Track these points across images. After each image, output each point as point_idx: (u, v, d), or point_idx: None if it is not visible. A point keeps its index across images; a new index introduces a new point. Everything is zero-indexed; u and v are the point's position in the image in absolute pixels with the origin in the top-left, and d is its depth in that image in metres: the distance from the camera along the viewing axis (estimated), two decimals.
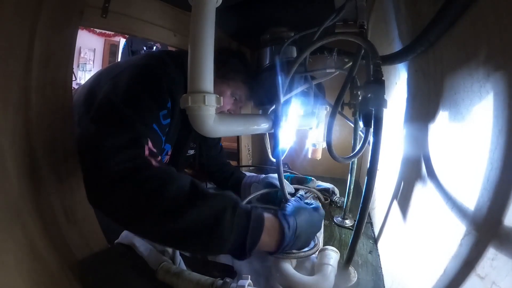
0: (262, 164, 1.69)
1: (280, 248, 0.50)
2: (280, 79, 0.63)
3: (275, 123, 0.64)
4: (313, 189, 0.96)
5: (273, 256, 0.57)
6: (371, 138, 0.47)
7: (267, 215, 0.51)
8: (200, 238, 0.44)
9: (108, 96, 0.56)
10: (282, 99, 0.64)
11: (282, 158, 0.93)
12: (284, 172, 0.85)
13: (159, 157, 0.52)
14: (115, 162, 0.44)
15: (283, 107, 0.65)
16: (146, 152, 0.49)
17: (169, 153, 0.80)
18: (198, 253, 0.55)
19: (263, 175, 0.93)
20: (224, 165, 1.12)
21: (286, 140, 0.88)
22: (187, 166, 1.17)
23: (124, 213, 0.44)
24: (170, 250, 0.61)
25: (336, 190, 1.08)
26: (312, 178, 1.00)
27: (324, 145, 0.82)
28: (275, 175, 0.83)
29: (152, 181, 0.45)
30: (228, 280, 0.50)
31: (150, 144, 0.51)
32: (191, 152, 0.96)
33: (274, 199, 0.83)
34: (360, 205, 0.46)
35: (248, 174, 1.05)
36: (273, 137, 0.66)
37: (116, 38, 3.97)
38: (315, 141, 0.96)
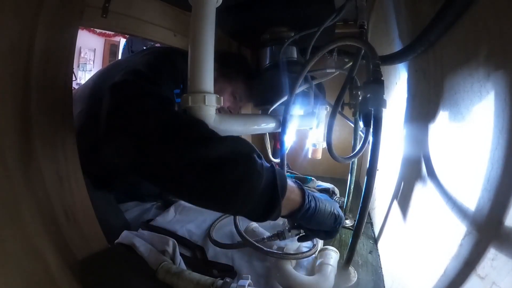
0: None
1: (305, 202, 0.47)
2: (285, 80, 0.63)
3: (282, 127, 0.64)
4: (314, 190, 0.96)
5: (273, 257, 0.57)
6: (371, 138, 0.47)
7: (292, 184, 0.48)
8: (237, 169, 0.40)
9: (129, 75, 0.55)
10: (290, 100, 0.63)
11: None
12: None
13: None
14: (154, 121, 0.43)
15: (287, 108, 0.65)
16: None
17: None
18: (228, 208, 0.46)
19: None
20: None
21: (286, 140, 0.88)
22: None
23: (175, 160, 0.41)
24: (170, 250, 0.61)
25: (336, 190, 1.08)
26: (312, 178, 1.00)
27: (324, 145, 0.82)
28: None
29: (188, 126, 0.44)
30: (228, 280, 0.50)
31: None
32: None
33: None
34: (360, 205, 0.46)
35: None
36: (279, 138, 0.66)
37: (116, 38, 3.97)
38: (315, 141, 0.96)
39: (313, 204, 0.48)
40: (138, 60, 0.64)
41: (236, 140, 0.45)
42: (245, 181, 0.40)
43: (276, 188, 0.42)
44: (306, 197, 0.47)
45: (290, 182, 0.46)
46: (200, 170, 0.40)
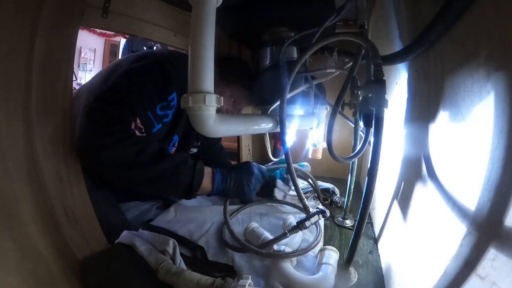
0: (262, 164, 1.69)
1: (214, 187, 0.70)
2: (284, 80, 0.63)
3: (281, 127, 0.64)
4: (311, 182, 0.96)
5: (275, 255, 0.58)
6: (371, 138, 0.47)
7: (206, 168, 0.70)
8: (166, 181, 0.64)
9: (118, 79, 0.66)
10: (285, 100, 0.63)
11: (282, 157, 0.93)
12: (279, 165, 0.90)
13: (143, 130, 0.65)
14: (107, 133, 0.58)
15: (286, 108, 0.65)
16: (132, 126, 0.62)
17: (176, 145, 0.86)
18: (164, 193, 0.74)
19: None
20: (225, 164, 1.13)
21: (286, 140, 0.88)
22: None
23: (113, 169, 0.60)
24: (170, 250, 0.61)
25: (337, 190, 1.08)
26: (306, 163, 1.00)
27: (325, 145, 0.82)
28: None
29: (134, 146, 0.60)
30: (228, 280, 0.50)
31: (138, 121, 0.63)
32: (194, 150, 1.00)
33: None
34: (361, 205, 0.46)
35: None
36: (280, 138, 0.66)
37: (117, 38, 3.97)
38: (316, 141, 0.96)
39: (221, 188, 0.71)
40: (121, 76, 0.67)
41: (170, 158, 0.64)
42: (172, 189, 0.67)
43: (192, 185, 0.66)
44: (215, 188, 0.71)
45: (206, 176, 0.69)
46: (145, 182, 0.63)
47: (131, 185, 0.68)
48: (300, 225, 0.61)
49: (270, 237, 0.66)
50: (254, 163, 0.82)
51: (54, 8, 0.52)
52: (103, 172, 0.62)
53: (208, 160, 1.07)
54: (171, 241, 0.63)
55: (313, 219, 0.61)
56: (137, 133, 0.62)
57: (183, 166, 0.65)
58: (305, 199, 0.62)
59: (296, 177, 0.61)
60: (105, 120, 0.60)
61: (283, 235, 0.61)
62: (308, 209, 0.62)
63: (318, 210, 0.62)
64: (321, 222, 0.62)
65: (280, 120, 0.63)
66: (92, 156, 0.58)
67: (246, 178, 0.76)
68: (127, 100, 0.62)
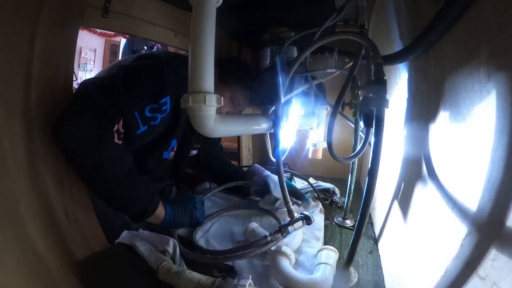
0: (263, 164, 1.69)
1: (166, 216, 0.72)
2: (280, 79, 0.63)
3: (275, 123, 0.64)
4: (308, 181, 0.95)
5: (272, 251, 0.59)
6: (372, 139, 0.47)
7: (160, 204, 0.71)
8: (124, 202, 0.65)
9: (116, 72, 0.64)
10: (283, 99, 0.64)
11: (283, 158, 0.93)
12: (284, 173, 0.86)
13: (121, 136, 0.61)
14: (89, 119, 0.54)
15: (283, 107, 0.65)
16: (114, 128, 0.58)
17: (175, 149, 0.82)
18: (117, 209, 0.69)
19: (267, 173, 0.95)
20: (226, 164, 1.13)
21: (286, 140, 0.88)
22: (189, 166, 1.19)
23: (76, 157, 0.56)
24: (171, 250, 0.61)
25: (337, 190, 1.08)
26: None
27: (325, 145, 0.82)
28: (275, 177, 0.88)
29: (107, 152, 0.57)
30: (228, 280, 0.50)
31: (120, 124, 0.59)
32: (194, 152, 0.98)
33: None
34: (361, 206, 0.46)
35: (257, 166, 1.05)
36: (274, 138, 0.66)
37: (117, 38, 3.97)
38: (316, 141, 0.96)
39: (172, 217, 0.73)
40: (119, 70, 0.65)
41: (136, 184, 0.66)
42: (124, 209, 0.68)
43: (144, 214, 0.67)
44: (166, 221, 0.72)
45: (160, 208, 0.71)
46: (101, 195, 0.63)
47: (84, 180, 0.62)
48: (282, 229, 0.62)
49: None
50: (194, 196, 0.86)
51: (54, 8, 0.52)
52: (63, 144, 0.54)
53: (209, 162, 1.08)
54: (171, 241, 0.63)
55: (297, 225, 0.61)
56: (116, 138, 0.58)
57: (144, 191, 0.67)
58: (290, 203, 0.62)
59: (284, 180, 0.61)
60: (92, 106, 0.56)
61: (264, 238, 0.62)
62: (292, 214, 0.62)
63: (302, 216, 0.62)
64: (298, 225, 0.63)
65: (275, 119, 0.64)
66: (61, 131, 0.52)
67: (190, 203, 0.80)
68: (118, 94, 0.59)
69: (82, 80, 0.63)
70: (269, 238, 0.62)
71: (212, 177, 1.10)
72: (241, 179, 1.00)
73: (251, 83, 0.85)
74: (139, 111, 0.62)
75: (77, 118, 0.53)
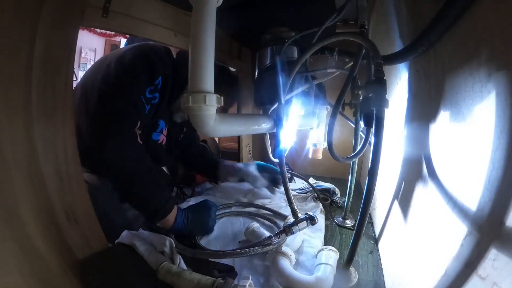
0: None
1: (176, 223, 0.73)
2: (281, 79, 0.63)
3: (276, 123, 0.64)
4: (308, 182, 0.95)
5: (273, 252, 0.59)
6: (372, 138, 0.47)
7: (174, 208, 0.75)
8: (142, 201, 0.72)
9: (115, 73, 0.75)
10: (284, 99, 0.64)
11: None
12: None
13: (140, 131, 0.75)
14: (116, 130, 0.69)
15: (284, 107, 0.65)
16: (138, 125, 0.73)
17: (164, 132, 0.91)
18: (134, 205, 0.75)
19: (240, 166, 1.07)
20: (213, 159, 1.19)
21: (286, 140, 0.88)
22: (190, 168, 1.23)
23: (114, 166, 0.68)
24: (167, 249, 0.61)
25: (337, 190, 1.08)
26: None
27: (325, 145, 0.82)
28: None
29: (133, 151, 0.71)
30: (228, 280, 0.50)
31: (138, 125, 0.73)
32: (183, 135, 1.08)
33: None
34: (361, 206, 0.46)
35: (223, 160, 1.15)
36: (275, 138, 0.66)
37: (117, 38, 3.96)
38: (316, 141, 0.96)
39: (180, 226, 0.73)
40: (117, 70, 0.76)
41: (155, 186, 0.74)
42: (142, 207, 0.73)
43: (157, 215, 0.71)
44: (177, 223, 0.73)
45: (172, 213, 0.73)
46: (126, 192, 0.73)
47: (115, 179, 0.74)
48: (286, 230, 0.62)
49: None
50: (210, 201, 0.87)
51: (54, 8, 0.52)
52: (105, 166, 0.69)
53: (189, 146, 1.15)
54: (167, 241, 0.63)
55: (301, 225, 0.61)
56: (138, 138, 0.73)
57: (160, 193, 0.74)
58: (294, 203, 0.62)
59: (287, 181, 0.61)
60: (112, 117, 0.70)
61: (269, 238, 0.62)
62: (297, 214, 0.62)
63: (306, 216, 0.62)
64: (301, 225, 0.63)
65: (276, 119, 0.63)
66: (107, 157, 0.67)
67: (205, 212, 0.80)
68: (127, 93, 0.72)
69: (87, 101, 0.76)
70: (273, 239, 0.62)
71: (189, 162, 1.19)
72: (217, 166, 1.11)
73: (226, 86, 0.86)
74: (143, 94, 0.75)
75: (119, 141, 0.69)
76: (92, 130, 0.71)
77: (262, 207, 0.93)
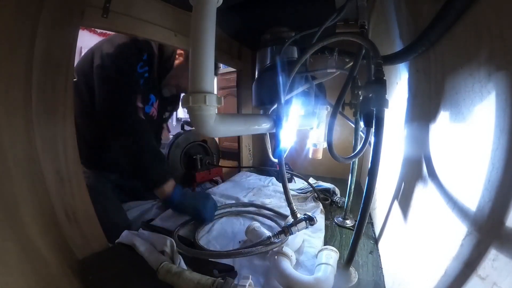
0: (263, 164, 1.69)
1: (170, 196, 0.81)
2: (281, 79, 0.63)
3: (276, 123, 0.64)
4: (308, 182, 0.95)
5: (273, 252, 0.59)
6: (372, 139, 0.47)
7: (171, 182, 0.83)
8: (146, 169, 0.81)
9: (109, 66, 0.86)
10: (284, 99, 0.64)
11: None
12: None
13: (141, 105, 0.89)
14: (125, 115, 0.83)
15: (284, 107, 0.65)
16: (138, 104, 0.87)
17: (155, 105, 1.03)
18: (136, 175, 0.86)
19: None
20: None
21: (286, 140, 0.88)
22: (189, 166, 1.26)
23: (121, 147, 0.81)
24: (168, 249, 0.61)
25: (337, 190, 1.08)
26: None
27: (325, 145, 0.82)
28: None
29: (139, 125, 0.85)
30: (228, 279, 0.50)
31: (139, 99, 0.88)
32: (167, 114, 1.21)
33: None
34: (361, 206, 0.46)
35: None
36: (275, 138, 0.66)
37: None
38: (316, 141, 0.96)
39: (175, 201, 0.81)
40: (110, 63, 0.86)
41: (159, 158, 0.86)
42: (143, 175, 0.83)
43: (157, 183, 0.81)
44: (172, 198, 0.81)
45: (169, 184, 0.82)
46: (132, 162, 0.82)
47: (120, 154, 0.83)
48: (285, 230, 0.62)
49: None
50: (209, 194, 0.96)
51: (54, 8, 0.52)
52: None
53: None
54: (168, 241, 0.63)
55: (300, 226, 0.61)
56: (141, 115, 0.88)
57: (161, 164, 0.84)
58: (293, 204, 0.62)
59: (287, 181, 0.61)
60: (117, 96, 0.83)
61: (268, 239, 0.62)
62: (296, 214, 0.62)
63: (306, 216, 0.62)
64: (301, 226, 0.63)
65: (276, 119, 0.63)
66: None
67: (203, 195, 0.90)
68: (124, 72, 0.85)
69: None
70: (272, 239, 0.62)
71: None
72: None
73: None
74: (136, 72, 0.87)
75: (127, 117, 0.83)
76: (101, 113, 0.82)
77: (263, 207, 0.93)
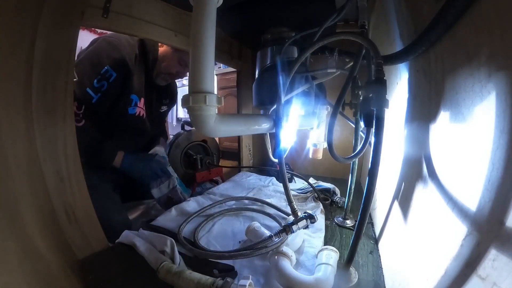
0: (263, 164, 1.69)
1: (121, 165, 0.94)
2: (281, 79, 0.63)
3: (276, 123, 0.64)
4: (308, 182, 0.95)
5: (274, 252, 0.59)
6: (372, 139, 0.47)
7: (120, 154, 0.95)
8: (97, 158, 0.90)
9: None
10: (283, 99, 0.64)
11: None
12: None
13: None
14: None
15: (284, 107, 0.65)
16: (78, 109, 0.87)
17: (139, 104, 1.02)
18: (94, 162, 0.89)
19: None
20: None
21: (287, 140, 0.88)
22: (190, 166, 1.26)
23: None
24: (168, 249, 0.61)
25: (337, 190, 1.08)
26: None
27: (325, 145, 0.82)
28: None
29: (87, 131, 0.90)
30: (228, 279, 0.50)
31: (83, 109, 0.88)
32: (165, 108, 1.23)
33: None
34: (361, 206, 0.46)
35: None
36: (275, 138, 0.66)
37: None
38: (316, 141, 0.96)
39: (127, 166, 0.94)
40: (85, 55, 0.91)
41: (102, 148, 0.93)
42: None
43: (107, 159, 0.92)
44: (122, 164, 0.94)
45: (118, 158, 0.93)
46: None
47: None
48: (286, 229, 0.62)
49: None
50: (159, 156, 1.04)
51: (54, 8, 0.52)
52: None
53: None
54: (169, 241, 0.63)
55: (301, 224, 0.61)
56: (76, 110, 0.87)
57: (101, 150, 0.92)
58: (294, 202, 0.62)
59: (287, 181, 0.61)
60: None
61: (269, 238, 0.62)
62: (296, 213, 0.62)
63: (306, 215, 0.62)
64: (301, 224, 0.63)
65: (276, 119, 0.63)
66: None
67: (149, 158, 0.99)
68: (79, 83, 0.86)
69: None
70: (274, 238, 0.62)
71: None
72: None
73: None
74: (89, 87, 0.87)
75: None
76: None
77: (266, 203, 0.94)
